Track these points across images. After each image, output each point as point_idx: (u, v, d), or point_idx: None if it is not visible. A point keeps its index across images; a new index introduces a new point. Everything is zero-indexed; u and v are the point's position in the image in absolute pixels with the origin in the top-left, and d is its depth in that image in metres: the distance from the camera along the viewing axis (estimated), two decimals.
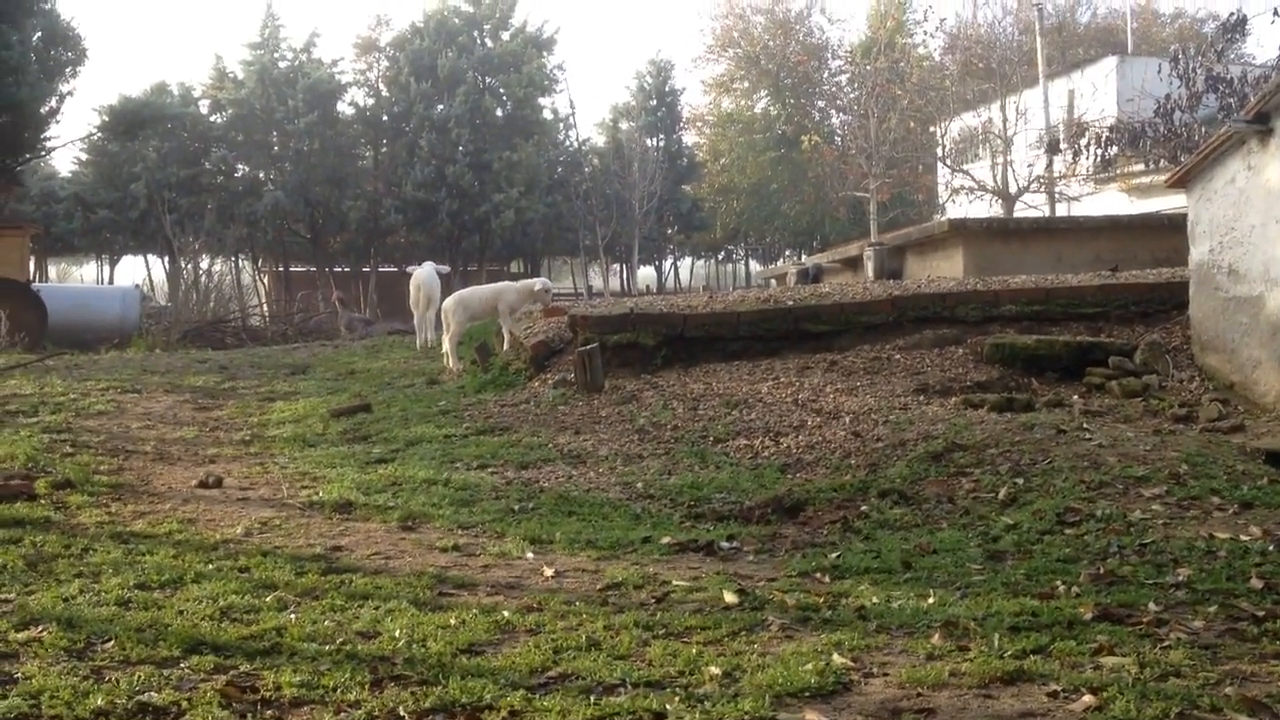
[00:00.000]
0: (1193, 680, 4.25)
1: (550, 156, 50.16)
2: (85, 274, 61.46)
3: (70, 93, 32.12)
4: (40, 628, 5.03)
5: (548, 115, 51.36)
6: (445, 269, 21.14)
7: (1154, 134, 29.38)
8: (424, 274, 18.95)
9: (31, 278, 33.70)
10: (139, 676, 4.44)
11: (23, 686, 4.31)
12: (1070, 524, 6.56)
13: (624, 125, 55.86)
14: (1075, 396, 10.08)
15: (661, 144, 53.96)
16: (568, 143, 53.57)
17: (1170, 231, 15.28)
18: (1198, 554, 5.85)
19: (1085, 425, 8.69)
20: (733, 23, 55.13)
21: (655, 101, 55.06)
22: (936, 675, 4.38)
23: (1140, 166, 30.71)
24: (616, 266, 54.96)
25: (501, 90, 47.89)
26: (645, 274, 58.28)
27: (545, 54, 50.04)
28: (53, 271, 51.59)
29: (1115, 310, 12.21)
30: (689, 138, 58.32)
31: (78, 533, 7.06)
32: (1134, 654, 4.52)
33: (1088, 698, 4.09)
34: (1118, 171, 31.58)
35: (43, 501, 7.89)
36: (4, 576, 5.93)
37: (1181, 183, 11.11)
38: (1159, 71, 30.29)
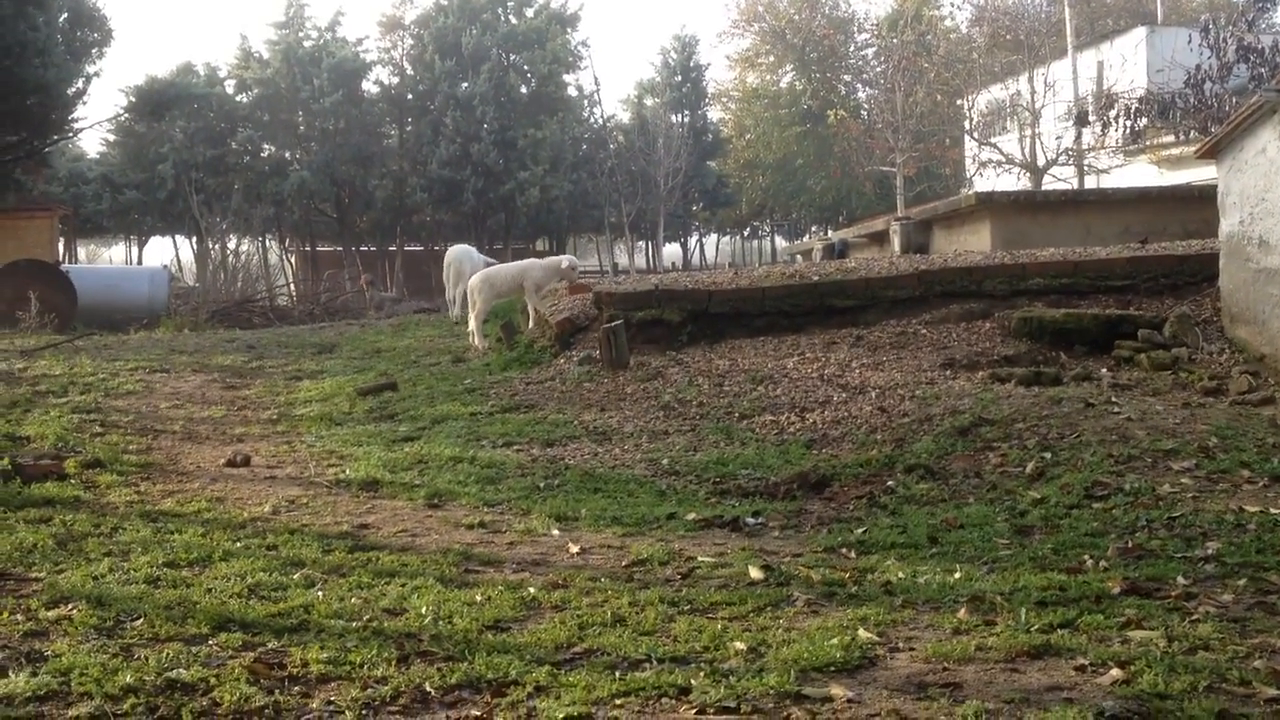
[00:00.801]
0: (1221, 653, 4.23)
1: (575, 133, 50.04)
2: (114, 255, 61.77)
3: (97, 74, 32.13)
4: (70, 606, 5.08)
5: (572, 92, 51.25)
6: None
7: (1184, 105, 29.07)
8: (457, 251, 19.59)
9: (61, 259, 33.90)
10: (168, 654, 4.48)
11: (53, 664, 4.35)
12: (1098, 498, 6.53)
13: (649, 101, 55.63)
14: (1104, 370, 10.01)
15: (686, 120, 53.74)
16: (592, 119, 53.42)
17: (1200, 203, 15.14)
18: (1227, 527, 5.81)
19: (1114, 399, 8.63)
20: None
21: (680, 77, 54.80)
22: (963, 650, 4.37)
23: (1170, 138, 30.42)
24: (642, 243, 54.87)
25: (526, 67, 47.76)
26: (671, 251, 58.12)
27: (569, 30, 49.86)
28: (82, 253, 51.91)
29: (1144, 283, 12.09)
30: (714, 113, 58.06)
31: (107, 512, 7.13)
32: (1162, 627, 4.50)
33: (1115, 671, 4.08)
34: (1147, 143, 31.29)
35: (72, 481, 7.97)
36: (34, 555, 5.99)
37: (1211, 154, 10.98)
38: (1189, 42, 29.93)
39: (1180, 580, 5.12)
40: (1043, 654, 4.31)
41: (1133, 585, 5.03)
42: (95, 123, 49.87)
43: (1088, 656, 4.24)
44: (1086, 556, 5.54)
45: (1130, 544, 5.68)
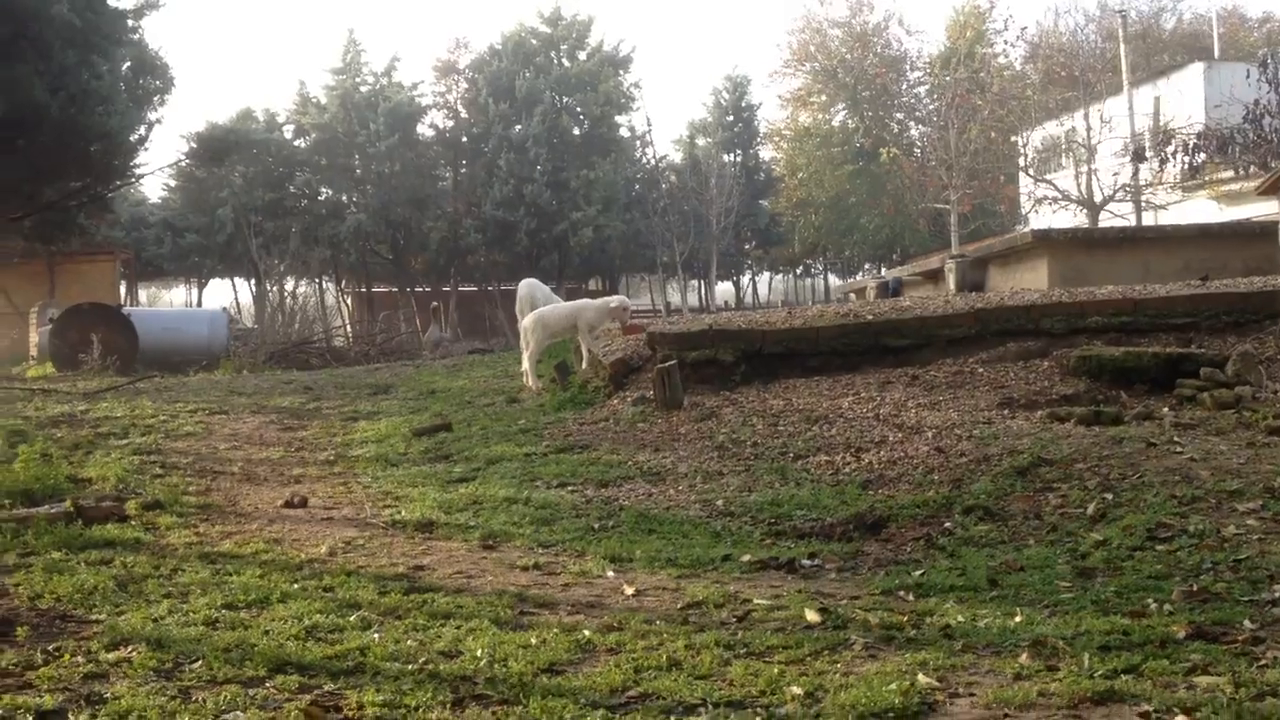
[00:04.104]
0: None
1: (627, 174, 50.35)
2: (174, 297, 62.75)
3: (159, 120, 32.76)
4: (130, 648, 5.12)
5: (624, 133, 51.64)
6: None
7: (1243, 140, 28.75)
8: (527, 285, 18.45)
9: (123, 302, 34.44)
10: (225, 696, 4.50)
11: (112, 706, 4.38)
12: (1161, 540, 6.40)
13: (701, 141, 55.92)
14: (1165, 409, 9.84)
15: (739, 159, 53.94)
16: (645, 160, 53.75)
17: (1262, 239, 14.94)
18: None
19: (1176, 438, 8.48)
20: (810, 36, 54.99)
21: (732, 117, 55.06)
22: (1024, 696, 4.30)
23: (1229, 173, 30.09)
24: (695, 282, 54.96)
25: (579, 109, 48.18)
26: (723, 290, 58.18)
27: (622, 72, 50.31)
28: (143, 295, 52.74)
29: (1206, 321, 11.91)
30: (766, 152, 58.28)
31: (167, 553, 7.19)
32: (1229, 673, 4.39)
33: (1181, 719, 3.99)
34: (1206, 179, 30.97)
35: (133, 522, 8.05)
36: (95, 597, 6.05)
37: (1272, 190, 10.86)
38: (1247, 76, 29.65)
39: (1247, 624, 5.00)
40: (1107, 700, 4.23)
41: (1198, 629, 4.92)
42: (157, 168, 50.64)
43: (1153, 703, 4.15)
44: (1150, 600, 5.43)
45: (1195, 587, 5.56)
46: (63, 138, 25.35)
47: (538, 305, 16.53)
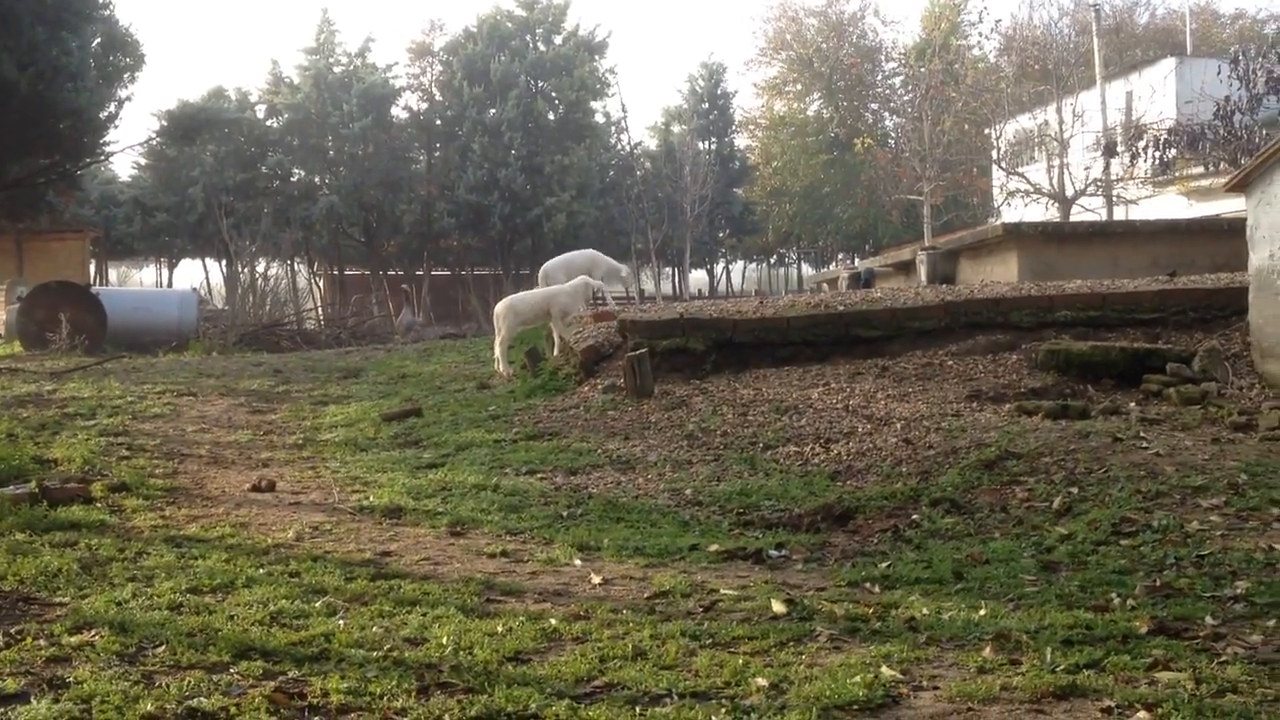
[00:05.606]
0: (1250, 697, 4.17)
1: (602, 160, 50.20)
2: (144, 277, 62.29)
3: (129, 98, 32.41)
4: (93, 631, 5.09)
5: (599, 119, 51.43)
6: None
7: (1213, 136, 28.96)
8: (550, 266, 16.88)
9: (92, 281, 34.16)
10: (189, 682, 4.48)
11: (74, 690, 4.36)
12: (1126, 535, 6.45)
13: (676, 128, 55.79)
14: (1132, 404, 9.92)
15: (713, 147, 53.83)
16: (619, 146, 53.59)
17: (1229, 236, 15.03)
18: (1257, 566, 5.74)
19: (1142, 433, 8.55)
20: (785, 25, 54.94)
21: (707, 104, 54.96)
22: (987, 689, 4.33)
23: (1199, 169, 30.29)
24: (668, 270, 54.93)
25: (554, 94, 48.00)
26: (697, 277, 58.15)
27: (597, 58, 50.12)
28: (112, 274, 52.31)
29: (1173, 316, 12.01)
30: (741, 141, 58.15)
31: (132, 536, 7.15)
32: (1190, 669, 4.44)
33: (1143, 714, 4.03)
34: (1176, 174, 31.17)
35: (98, 504, 8.00)
36: (59, 579, 6.02)
37: (1241, 186, 10.91)
38: (1219, 73, 29.87)
39: (1209, 620, 5.05)
40: (1069, 695, 4.26)
41: (1160, 625, 4.97)
42: (127, 146, 50.25)
43: (1114, 698, 4.18)
44: (1114, 594, 5.47)
45: (1158, 582, 5.61)
46: (31, 114, 25.14)
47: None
